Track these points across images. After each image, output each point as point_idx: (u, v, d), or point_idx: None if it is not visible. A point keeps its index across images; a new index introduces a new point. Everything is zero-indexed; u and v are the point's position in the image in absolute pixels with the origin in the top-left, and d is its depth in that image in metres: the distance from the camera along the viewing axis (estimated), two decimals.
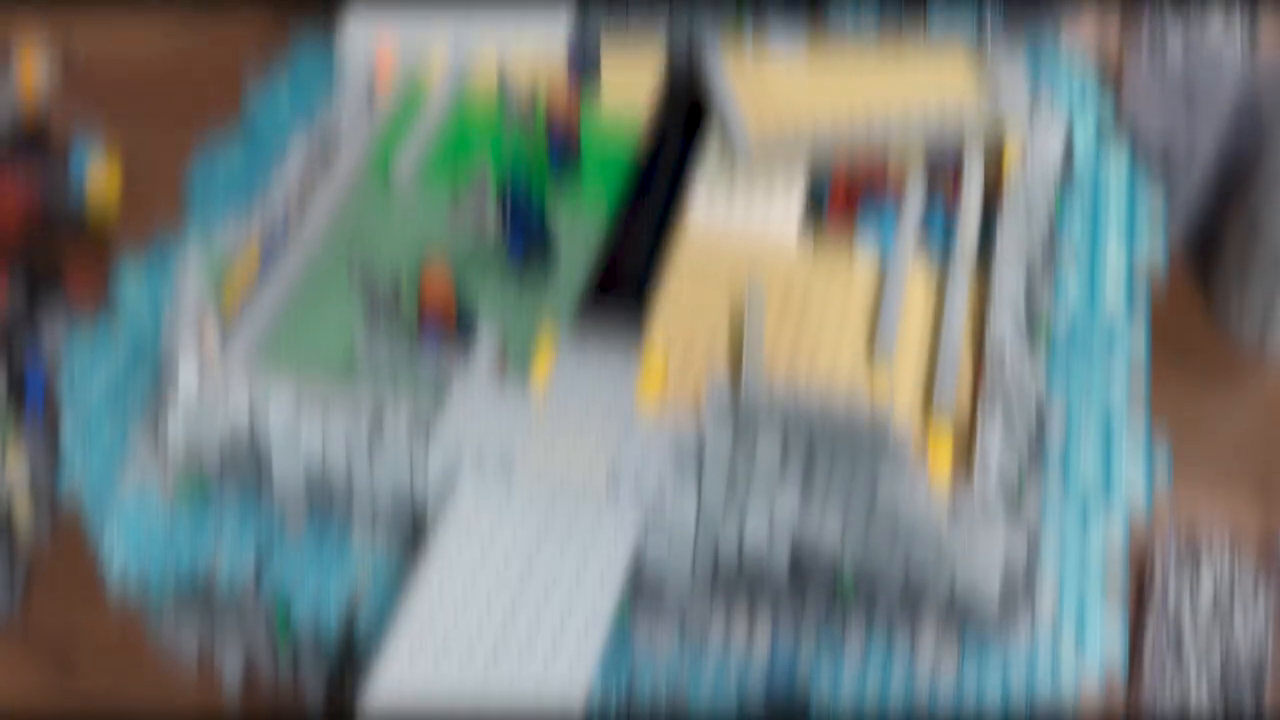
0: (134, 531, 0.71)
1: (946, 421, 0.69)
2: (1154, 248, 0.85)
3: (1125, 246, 0.85)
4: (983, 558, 0.63)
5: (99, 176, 1.19)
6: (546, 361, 0.71)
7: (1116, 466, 0.73)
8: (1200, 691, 0.82)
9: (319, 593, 0.69)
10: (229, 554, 0.70)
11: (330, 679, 0.84)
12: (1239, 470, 0.96)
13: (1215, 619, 0.85)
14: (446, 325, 0.71)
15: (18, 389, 1.02)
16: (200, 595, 0.80)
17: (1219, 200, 1.07)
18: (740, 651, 0.66)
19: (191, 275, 0.72)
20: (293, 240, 0.79)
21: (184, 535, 0.71)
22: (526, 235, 0.76)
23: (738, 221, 0.81)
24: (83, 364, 0.79)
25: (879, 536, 0.63)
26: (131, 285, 0.85)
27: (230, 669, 0.85)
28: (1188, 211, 1.08)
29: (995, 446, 0.66)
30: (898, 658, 0.65)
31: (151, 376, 0.78)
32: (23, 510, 0.95)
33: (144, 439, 0.75)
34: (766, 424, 0.60)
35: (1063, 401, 0.76)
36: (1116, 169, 0.90)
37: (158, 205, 0.91)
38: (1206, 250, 1.11)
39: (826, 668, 0.65)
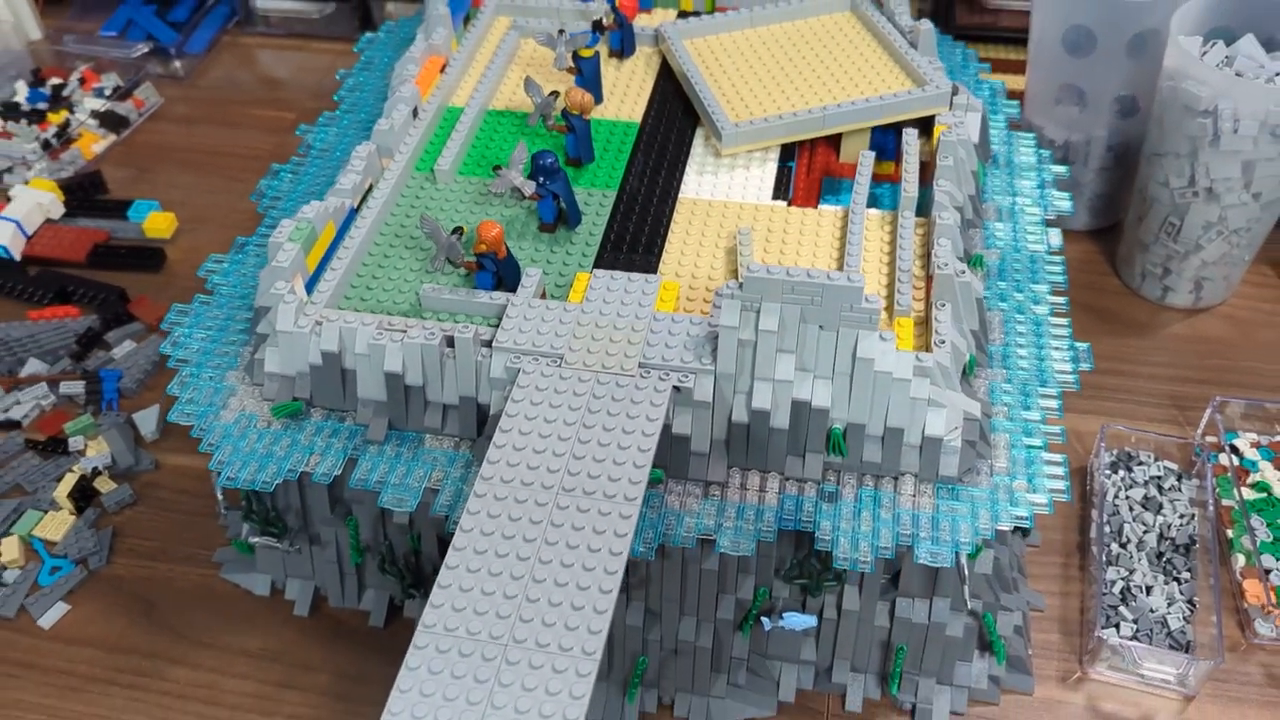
0: (239, 447, 0.84)
1: (907, 320, 0.85)
2: (1061, 204, 1.03)
3: (1040, 204, 1.03)
4: (947, 413, 0.79)
5: (156, 219, 1.35)
6: (581, 288, 0.86)
7: (1047, 360, 0.89)
8: (1142, 564, 0.96)
9: (401, 483, 0.82)
10: (321, 459, 0.83)
11: (399, 593, 0.96)
12: (1157, 399, 1.13)
13: (1148, 509, 1.00)
14: (497, 264, 0.86)
15: (95, 390, 1.15)
16: (283, 526, 0.93)
17: (1116, 182, 1.27)
18: (754, 503, 0.80)
19: (285, 238, 0.88)
20: (359, 219, 0.94)
21: (281, 447, 0.84)
22: (554, 201, 0.92)
23: (721, 194, 0.98)
24: (183, 330, 0.93)
25: (861, 394, 0.78)
26: (218, 270, 0.99)
27: (300, 601, 0.97)
28: (1091, 194, 1.28)
29: (948, 329, 0.81)
30: (884, 502, 0.80)
31: (241, 337, 0.92)
32: (106, 486, 1.07)
33: (241, 378, 0.89)
34: (768, 298, 0.76)
35: (999, 315, 0.93)
36: (1024, 150, 1.10)
37: (208, 241, 1.05)
38: (1110, 225, 1.31)
39: (826, 512, 0.79)
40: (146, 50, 1.62)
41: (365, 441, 0.85)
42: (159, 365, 1.19)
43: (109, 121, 1.51)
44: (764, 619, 0.87)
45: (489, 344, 0.82)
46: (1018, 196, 1.04)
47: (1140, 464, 1.04)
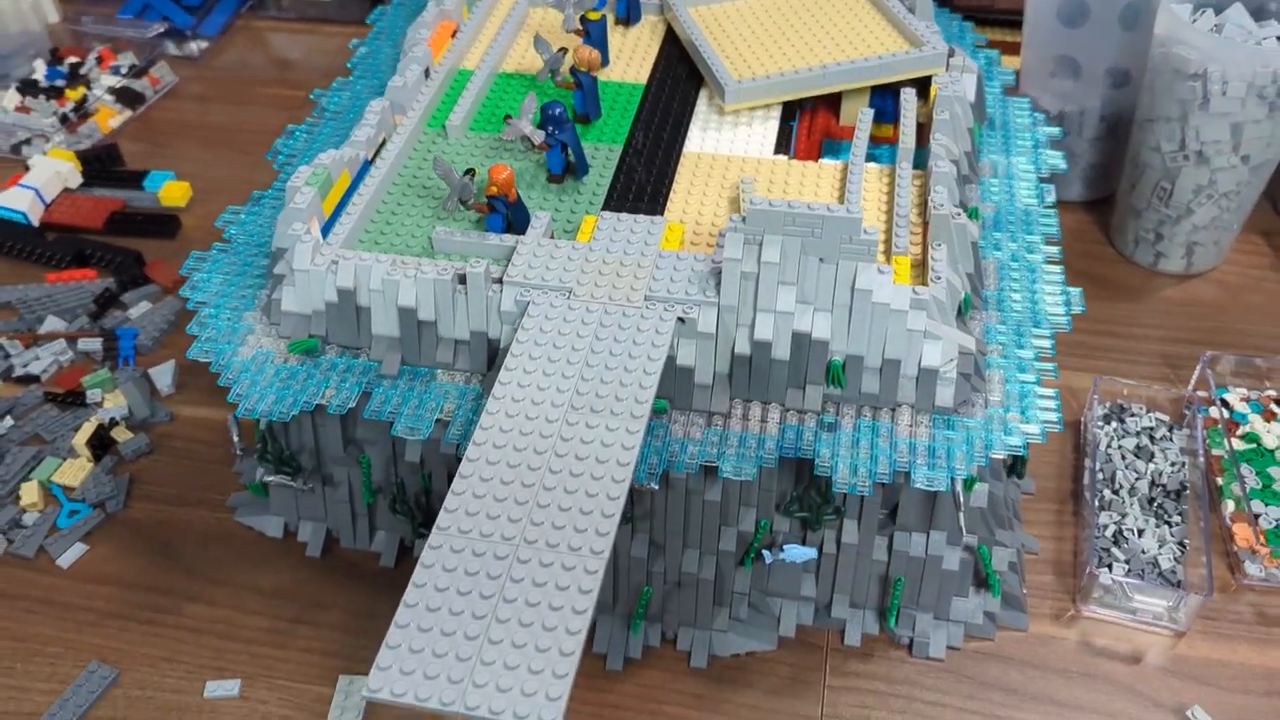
0: (256, 381, 0.87)
1: (904, 258, 0.88)
2: (1055, 162, 1.06)
3: (1034, 162, 1.06)
4: (943, 345, 0.81)
5: (171, 188, 1.38)
6: (588, 230, 0.89)
7: (1041, 303, 0.92)
8: (1134, 509, 0.98)
9: (414, 414, 0.85)
10: (336, 392, 0.86)
11: (409, 534, 0.98)
12: (1149, 358, 1.16)
13: (1140, 457, 1.03)
14: (508, 206, 0.89)
15: (111, 348, 1.18)
16: (297, 464, 0.96)
17: (1109, 152, 1.30)
18: (755, 432, 0.82)
19: (301, 183, 0.91)
20: (373, 169, 0.97)
21: (298, 381, 0.87)
22: (563, 152, 0.95)
23: (725, 149, 1.01)
24: (202, 274, 0.96)
25: (859, 325, 0.81)
26: (235, 221, 1.02)
27: (313, 542, 1.00)
28: (1085, 164, 1.31)
29: (944, 267, 0.84)
30: (882, 432, 0.82)
31: (258, 281, 0.95)
32: (122, 435, 1.09)
33: (259, 318, 0.92)
34: (770, 230, 0.79)
35: (994, 263, 0.95)
36: (1019, 113, 1.13)
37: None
38: (1104, 197, 1.33)
39: (826, 441, 0.82)
40: (162, 30, 1.66)
41: (379, 376, 0.87)
42: (175, 324, 1.22)
43: (125, 97, 1.54)
44: (765, 552, 0.89)
45: (499, 281, 0.85)
46: (1012, 156, 1.07)
47: (1132, 415, 1.06)
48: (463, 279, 0.85)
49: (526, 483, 0.70)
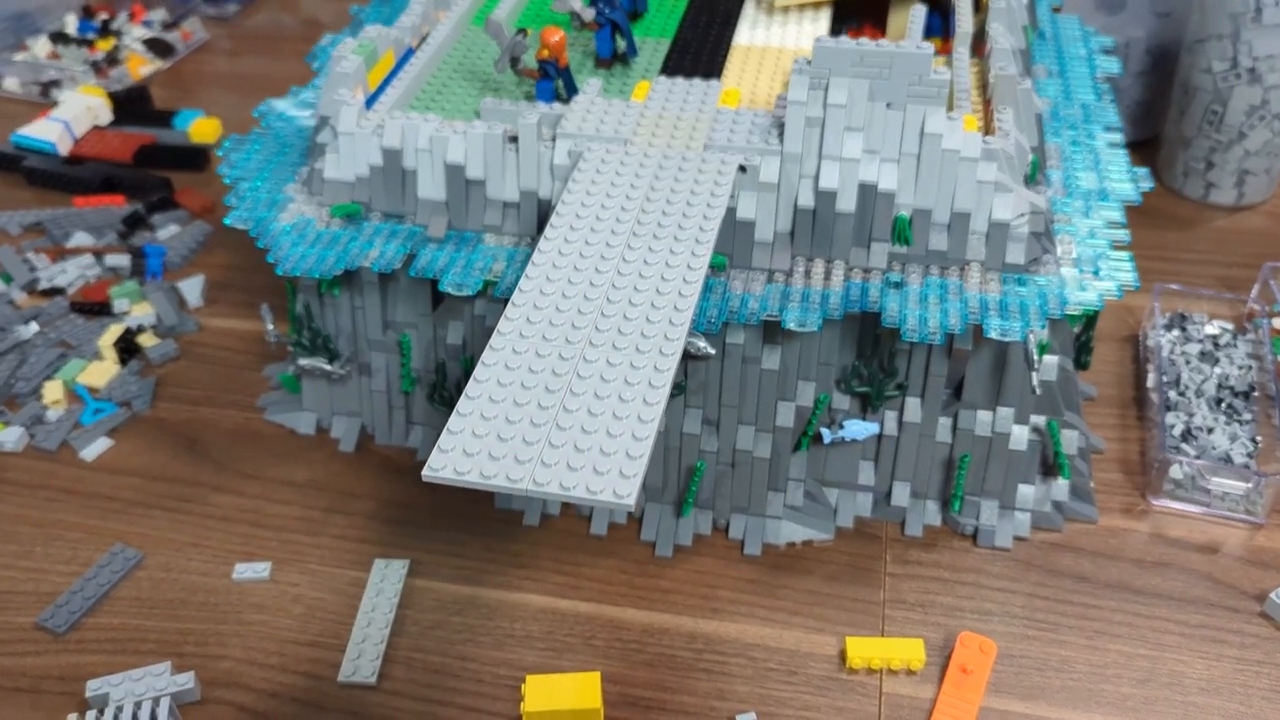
0: (296, 243, 0.84)
1: (970, 116, 0.85)
2: (1109, 65, 1.04)
3: (1088, 65, 1.04)
4: (1013, 198, 0.78)
5: (202, 124, 1.37)
6: (643, 93, 0.87)
7: (1107, 180, 0.89)
8: (1201, 409, 0.95)
9: (462, 272, 0.81)
10: (380, 253, 0.83)
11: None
12: (1204, 281, 1.12)
13: (1205, 361, 0.99)
14: (559, 72, 0.87)
15: (139, 263, 1.15)
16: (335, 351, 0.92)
17: (1154, 88, 1.28)
18: (819, 288, 0.79)
19: (347, 51, 0.89)
20: (418, 53, 0.95)
21: (340, 243, 0.84)
22: (611, 34, 0.93)
23: (775, 42, 0.99)
24: (240, 154, 0.94)
25: (928, 175, 0.78)
26: (276, 109, 1.00)
27: (346, 438, 0.96)
28: (1130, 101, 1.29)
29: (1010, 126, 0.82)
30: (951, 289, 0.79)
31: (300, 161, 0.93)
32: (149, 341, 1.06)
33: (299, 190, 0.89)
34: (837, 71, 0.76)
35: (1056, 146, 0.93)
36: (1069, 27, 1.11)
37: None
38: (1149, 138, 1.31)
39: (893, 296, 0.78)
40: None
41: (424, 240, 0.84)
42: (204, 244, 1.19)
43: (156, 47, 1.53)
44: (824, 430, 0.85)
45: (553, 139, 0.82)
46: (1067, 60, 1.05)
47: (1194, 324, 1.03)
48: (514, 138, 0.83)
49: (589, 296, 0.66)
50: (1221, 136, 1.17)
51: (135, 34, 1.56)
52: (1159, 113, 1.30)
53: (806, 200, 0.79)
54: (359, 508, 0.91)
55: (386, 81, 0.92)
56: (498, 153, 0.82)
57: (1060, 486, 0.88)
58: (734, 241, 0.80)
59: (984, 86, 0.91)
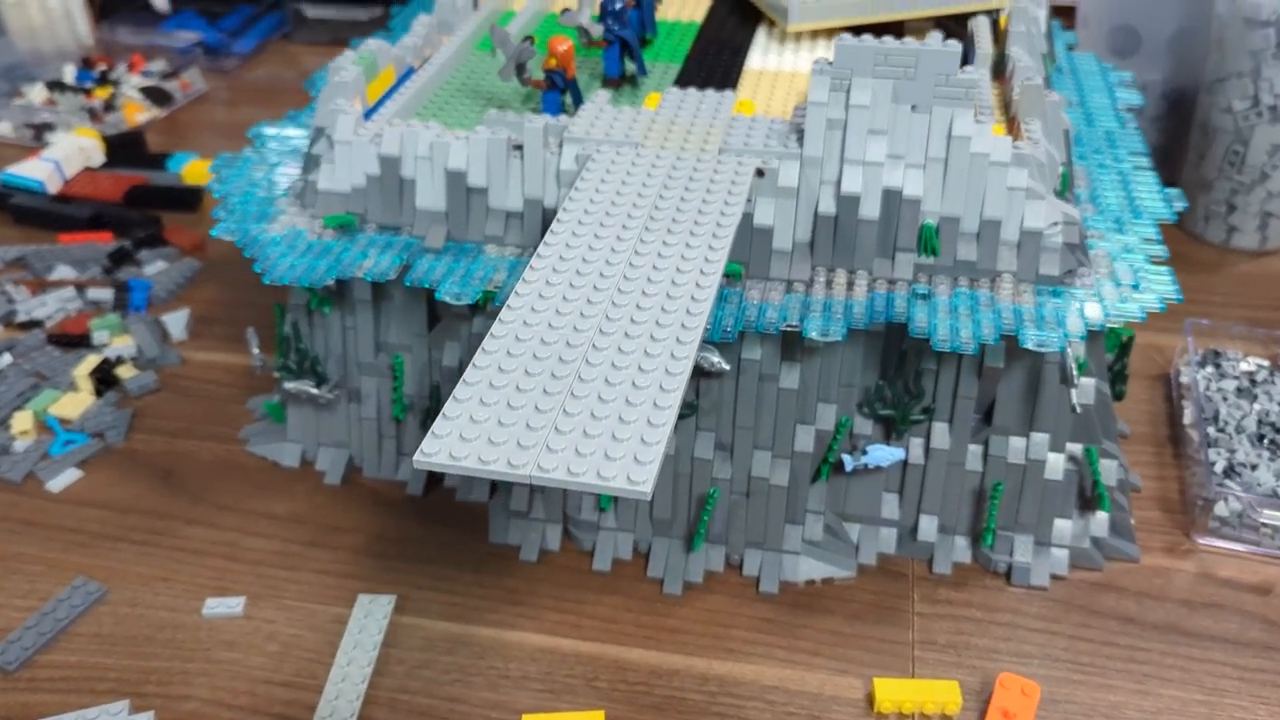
0: (285, 254, 0.79)
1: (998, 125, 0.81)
2: (1131, 97, 1.02)
3: (1109, 96, 1.02)
4: (1046, 206, 0.74)
5: (195, 166, 1.33)
6: (655, 100, 0.83)
7: (1138, 198, 0.85)
8: (1243, 445, 0.89)
9: (461, 282, 0.76)
10: (374, 263, 0.78)
11: None
12: (1232, 322, 1.07)
13: (1243, 398, 0.94)
14: (566, 83, 0.83)
15: (122, 297, 1.10)
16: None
17: (1171, 133, 1.25)
18: (842, 298, 0.74)
19: (346, 62, 0.86)
20: (421, 71, 0.92)
21: (332, 253, 0.79)
22: (620, 53, 0.90)
23: (788, 67, 0.96)
24: (231, 171, 0.90)
25: (956, 181, 0.74)
26: (269, 130, 0.97)
27: (332, 470, 0.89)
28: (1146, 144, 1.26)
29: (1039, 135, 0.78)
30: (983, 301, 0.74)
31: (290, 179, 0.89)
32: (128, 372, 1.00)
33: (292, 203, 0.85)
34: (859, 71, 0.73)
35: (1083, 168, 0.89)
36: (1086, 61, 1.09)
37: None
38: (1167, 176, 1.28)
39: (920, 309, 0.73)
40: (195, 41, 1.65)
41: (422, 250, 0.80)
42: (192, 280, 1.15)
43: (154, 95, 1.51)
44: (845, 456, 0.79)
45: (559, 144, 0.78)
46: (1086, 92, 1.02)
47: (1228, 360, 0.98)
48: (518, 146, 0.79)
49: (599, 286, 0.61)
50: (1244, 178, 1.14)
51: (133, 83, 1.54)
52: (1176, 158, 1.27)
53: (828, 206, 0.75)
54: (343, 542, 0.84)
55: (386, 97, 0.89)
56: (501, 159, 0.78)
57: (1099, 521, 0.82)
58: (750, 249, 0.76)
59: (1006, 106, 0.87)
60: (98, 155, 1.35)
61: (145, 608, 0.79)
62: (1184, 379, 0.97)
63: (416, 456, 0.50)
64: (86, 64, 1.60)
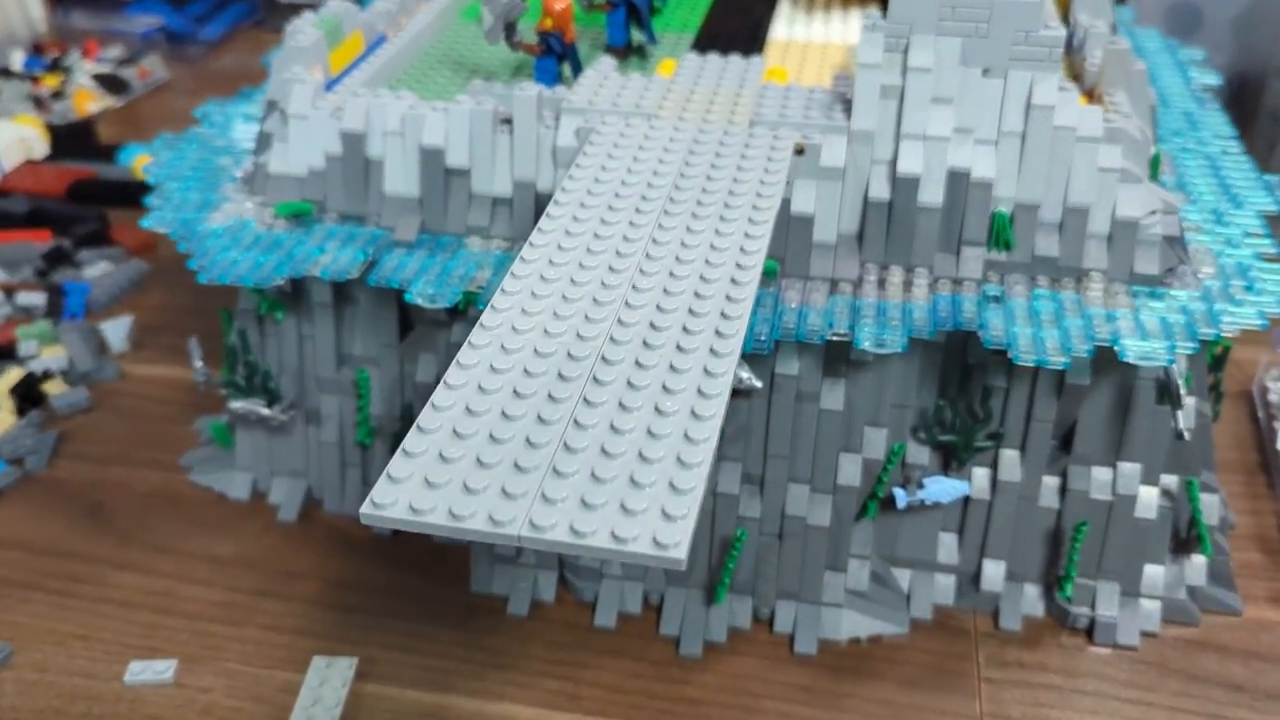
0: (227, 248, 0.66)
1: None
2: (1205, 77, 0.89)
3: (1181, 75, 0.89)
4: (1142, 190, 0.62)
5: (143, 160, 1.21)
6: (670, 67, 0.71)
7: (1233, 187, 0.73)
8: None
9: (436, 281, 0.63)
10: (333, 259, 0.65)
11: None
12: None
13: None
14: (563, 47, 0.71)
15: (57, 302, 0.97)
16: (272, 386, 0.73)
17: (1234, 119, 1.13)
18: (898, 301, 0.61)
19: (306, 25, 0.73)
20: (395, 39, 0.79)
21: (283, 247, 0.66)
22: (626, 19, 0.77)
23: (818, 37, 0.84)
24: (172, 153, 0.77)
25: (1035, 161, 0.61)
26: (216, 110, 0.84)
27: (287, 504, 0.76)
28: None
29: (1127, 108, 0.65)
30: (1067, 305, 0.61)
31: (235, 164, 0.76)
32: (56, 388, 0.87)
33: (239, 189, 0.72)
34: (920, 27, 0.60)
35: (1167, 153, 0.77)
36: (1151, 39, 0.97)
37: None
38: None
39: (994, 314, 0.61)
40: (158, 27, 1.52)
41: (390, 244, 0.67)
42: (138, 285, 1.02)
43: (109, 84, 1.38)
44: (898, 491, 0.66)
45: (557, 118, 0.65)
46: (1156, 70, 0.90)
47: None
48: (507, 120, 0.66)
49: (600, 299, 0.48)
50: None
51: (86, 69, 1.41)
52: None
53: (880, 191, 0.62)
54: (297, 590, 0.71)
55: (353, 67, 0.76)
56: (486, 135, 0.66)
57: (1196, 567, 0.69)
58: (787, 242, 0.63)
59: (1076, 78, 0.75)
60: (40, 146, 1.22)
61: (56, 673, 0.65)
62: (1272, 396, 0.84)
63: (364, 508, 0.37)
64: (37, 50, 1.47)
